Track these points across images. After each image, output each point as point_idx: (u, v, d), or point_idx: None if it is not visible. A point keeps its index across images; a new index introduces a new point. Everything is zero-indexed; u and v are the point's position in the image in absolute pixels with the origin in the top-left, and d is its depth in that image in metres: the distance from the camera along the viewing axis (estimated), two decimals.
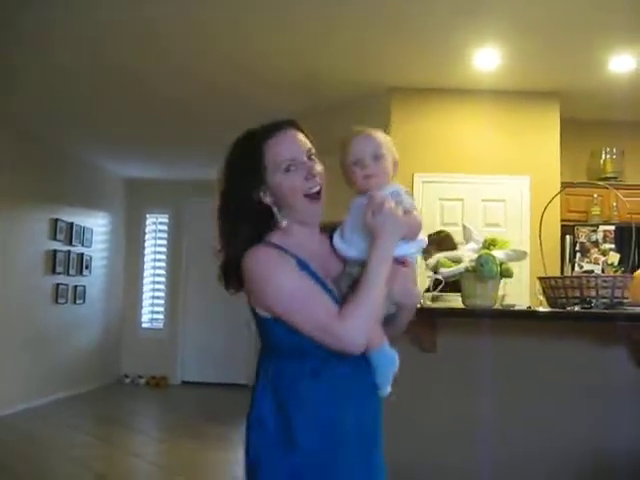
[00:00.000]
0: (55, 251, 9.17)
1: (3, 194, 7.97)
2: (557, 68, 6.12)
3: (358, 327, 1.77)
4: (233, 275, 1.93)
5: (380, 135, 2.04)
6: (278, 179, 1.90)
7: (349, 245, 1.94)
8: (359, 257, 1.88)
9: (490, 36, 5.52)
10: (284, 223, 1.93)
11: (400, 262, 1.92)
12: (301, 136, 1.97)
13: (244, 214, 1.93)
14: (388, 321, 1.95)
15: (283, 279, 1.82)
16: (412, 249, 1.96)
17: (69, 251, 9.52)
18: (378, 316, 1.85)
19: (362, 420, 1.92)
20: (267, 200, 1.93)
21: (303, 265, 1.86)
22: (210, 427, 7.67)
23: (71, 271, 9.58)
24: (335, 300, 1.85)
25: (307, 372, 1.86)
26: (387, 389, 1.94)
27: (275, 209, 1.93)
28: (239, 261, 1.87)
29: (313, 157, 1.96)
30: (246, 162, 1.93)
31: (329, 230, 2.02)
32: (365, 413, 1.93)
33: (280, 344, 1.90)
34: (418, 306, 3.53)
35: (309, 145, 1.96)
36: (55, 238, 9.19)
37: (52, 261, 9.12)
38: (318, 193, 1.93)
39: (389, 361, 1.91)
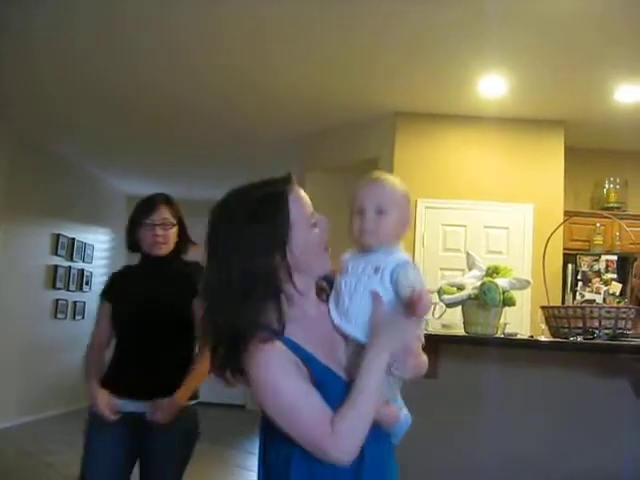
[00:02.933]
0: (56, 266, 9.17)
1: (5, 208, 7.96)
2: (562, 97, 6.14)
3: (345, 444, 1.60)
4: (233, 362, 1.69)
5: (393, 187, 1.82)
6: (305, 234, 1.69)
7: (350, 323, 1.73)
8: (365, 340, 1.69)
9: (496, 64, 5.54)
10: (292, 289, 1.70)
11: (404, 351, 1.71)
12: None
13: (262, 283, 1.65)
14: None
15: (277, 386, 1.62)
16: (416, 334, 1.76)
17: (70, 266, 9.52)
18: (371, 422, 1.64)
19: None
20: (288, 260, 1.67)
21: (307, 358, 1.66)
22: (207, 447, 7.58)
23: (71, 287, 9.57)
24: (345, 387, 1.66)
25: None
26: (397, 439, 1.87)
27: (289, 274, 1.69)
28: (241, 347, 1.65)
29: None
30: (270, 216, 1.66)
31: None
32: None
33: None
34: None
35: None
36: (56, 253, 9.19)
37: (53, 276, 9.12)
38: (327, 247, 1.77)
39: (402, 428, 1.83)
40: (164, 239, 3.30)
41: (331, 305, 1.77)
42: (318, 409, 1.62)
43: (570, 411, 3.56)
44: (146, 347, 3.20)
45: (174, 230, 3.34)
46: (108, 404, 3.12)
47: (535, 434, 3.56)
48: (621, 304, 3.84)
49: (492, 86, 5.93)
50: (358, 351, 1.68)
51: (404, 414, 1.82)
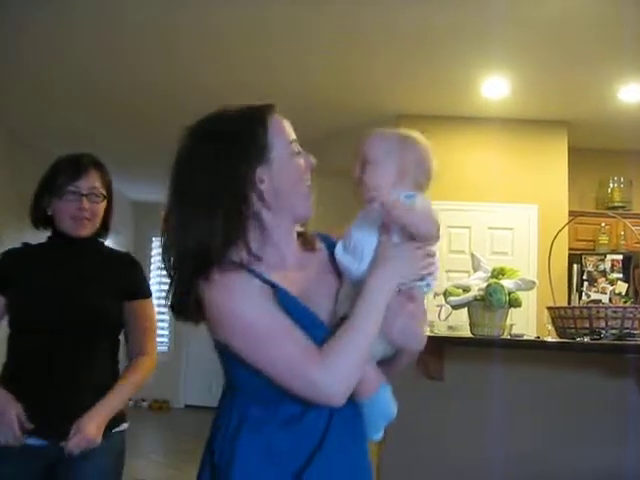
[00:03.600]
0: None
1: (9, 215, 7.96)
2: (565, 97, 6.13)
3: (341, 375, 1.42)
4: (190, 298, 1.51)
5: (381, 135, 1.68)
6: (285, 158, 1.56)
7: (356, 258, 1.57)
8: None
9: (499, 65, 5.53)
10: (266, 221, 1.56)
11: (406, 295, 1.56)
12: None
13: (237, 204, 1.50)
14: (382, 362, 1.62)
15: (248, 310, 1.45)
16: (422, 280, 1.59)
17: None
18: (366, 361, 1.50)
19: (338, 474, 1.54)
20: (261, 185, 1.52)
21: (283, 294, 1.50)
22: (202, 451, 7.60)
23: None
24: (327, 334, 1.49)
25: (279, 420, 1.51)
26: (378, 435, 1.63)
27: (257, 202, 1.53)
28: (198, 280, 1.48)
29: None
30: (246, 134, 1.53)
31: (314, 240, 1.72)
32: (343, 466, 1.55)
33: (245, 384, 1.56)
34: (428, 334, 3.53)
35: None
36: None
37: None
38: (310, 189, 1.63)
39: (384, 412, 1.59)
40: (91, 214, 2.53)
41: (339, 248, 1.61)
42: (302, 338, 1.45)
43: (577, 412, 3.56)
44: (56, 363, 2.38)
45: (103, 205, 2.60)
46: (18, 416, 2.29)
47: (542, 435, 3.55)
48: (627, 304, 3.83)
49: (495, 87, 5.92)
50: (353, 295, 1.53)
51: (386, 396, 1.59)
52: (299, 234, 1.69)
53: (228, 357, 1.55)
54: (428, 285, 1.61)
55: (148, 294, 2.69)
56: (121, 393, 2.46)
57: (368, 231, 1.57)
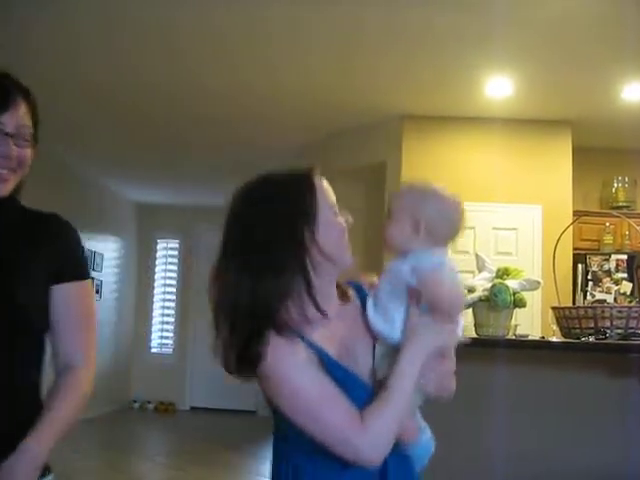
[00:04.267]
0: None
1: None
2: (569, 97, 6.12)
3: (382, 439, 1.53)
4: (244, 357, 1.56)
5: (402, 190, 1.79)
6: (330, 220, 1.63)
7: (388, 323, 1.65)
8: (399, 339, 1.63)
9: (502, 65, 5.53)
10: (319, 287, 1.61)
11: (440, 353, 1.66)
12: None
13: (290, 265, 1.56)
14: None
15: (297, 377, 1.53)
16: (452, 338, 1.69)
17: None
18: (401, 425, 1.58)
19: None
20: (310, 244, 1.58)
21: (327, 359, 1.59)
22: (218, 454, 7.62)
23: None
24: (368, 391, 1.59)
25: (338, 466, 1.57)
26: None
27: (311, 262, 1.60)
28: (258, 339, 1.54)
29: None
30: (297, 197, 1.60)
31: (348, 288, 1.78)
32: None
33: (298, 435, 1.59)
34: None
35: None
36: None
37: None
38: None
39: (425, 451, 1.73)
40: (18, 164, 1.85)
41: (370, 308, 1.68)
42: (345, 404, 1.54)
43: (582, 411, 3.55)
44: None
45: (31, 152, 1.91)
46: None
47: (546, 434, 3.55)
48: (632, 303, 3.82)
49: (498, 87, 5.92)
50: (389, 354, 1.63)
51: (426, 437, 1.74)
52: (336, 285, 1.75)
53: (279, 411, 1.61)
54: (456, 339, 1.73)
55: (84, 274, 1.95)
56: (45, 436, 1.68)
57: (397, 297, 1.64)
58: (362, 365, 1.65)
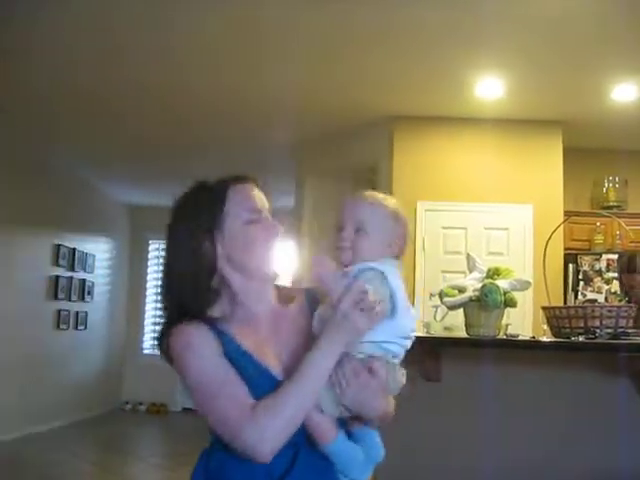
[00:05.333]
0: (57, 277, 9.16)
1: (6, 220, 7.97)
2: (560, 97, 6.14)
3: (267, 433, 1.49)
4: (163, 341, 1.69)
5: (378, 205, 1.76)
6: (236, 228, 1.70)
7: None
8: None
9: (493, 65, 5.54)
10: (232, 284, 1.72)
11: (366, 366, 1.64)
12: (262, 194, 1.79)
13: (194, 266, 1.68)
14: (354, 419, 1.71)
15: (194, 367, 1.60)
16: (377, 347, 1.65)
17: (71, 277, 9.51)
18: (298, 423, 1.55)
19: None
20: (217, 250, 1.69)
21: (235, 350, 1.63)
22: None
23: (73, 297, 9.56)
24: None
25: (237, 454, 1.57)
26: (358, 478, 1.71)
27: (223, 266, 1.70)
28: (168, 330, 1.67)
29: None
30: (204, 203, 1.72)
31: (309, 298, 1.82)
32: None
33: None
34: (424, 335, 3.54)
35: (267, 204, 1.79)
36: (58, 264, 9.17)
37: (54, 287, 9.11)
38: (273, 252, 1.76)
39: (347, 460, 1.67)
40: None
41: (316, 317, 1.70)
42: (240, 395, 1.56)
43: (573, 410, 3.57)
44: None
45: None
46: None
47: (538, 433, 3.56)
48: (622, 302, 3.84)
49: (489, 88, 5.94)
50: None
51: (347, 445, 1.68)
52: (278, 288, 1.84)
53: None
54: (394, 356, 1.69)
55: None
56: None
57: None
58: (284, 361, 1.67)
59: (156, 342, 1.73)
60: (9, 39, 5.14)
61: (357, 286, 1.58)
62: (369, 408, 1.66)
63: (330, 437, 1.64)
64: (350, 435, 1.71)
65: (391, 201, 1.80)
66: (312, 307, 1.76)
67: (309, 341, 1.64)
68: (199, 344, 1.61)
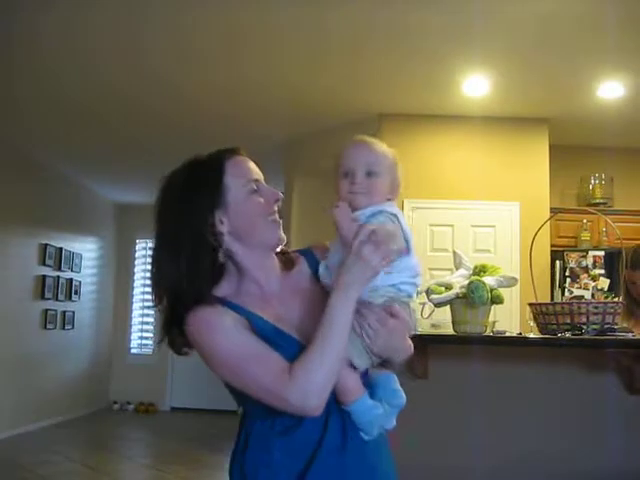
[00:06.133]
0: (44, 276, 9.12)
1: None
2: (546, 95, 6.17)
3: (309, 389, 1.53)
4: (177, 329, 1.68)
5: (381, 149, 1.79)
6: (241, 199, 1.69)
7: (330, 275, 1.70)
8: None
9: (479, 63, 5.56)
10: (240, 259, 1.70)
11: (387, 311, 1.66)
12: (254, 164, 1.81)
13: (200, 246, 1.65)
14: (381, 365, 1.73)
15: (222, 343, 1.60)
16: (395, 289, 1.67)
17: (58, 276, 9.48)
18: (337, 371, 1.58)
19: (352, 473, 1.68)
20: (221, 227, 1.67)
21: (257, 321, 1.64)
22: (199, 454, 7.61)
23: (60, 296, 9.53)
24: (300, 347, 1.61)
25: (277, 431, 1.65)
26: (381, 430, 1.73)
27: (228, 242, 1.68)
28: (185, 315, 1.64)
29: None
30: (202, 181, 1.69)
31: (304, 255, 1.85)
32: (340, 469, 1.66)
33: (247, 403, 1.69)
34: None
35: (261, 174, 1.79)
36: (44, 263, 9.14)
37: (41, 286, 9.07)
38: (278, 219, 1.75)
39: (370, 416, 1.67)
40: None
41: (321, 267, 1.74)
42: (272, 359, 1.59)
43: (560, 407, 3.58)
44: None
45: None
46: None
47: (524, 430, 3.58)
48: (608, 299, 3.86)
49: (475, 85, 5.95)
50: None
51: (369, 404, 1.68)
52: (279, 254, 1.82)
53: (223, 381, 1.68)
54: (409, 295, 1.72)
55: None
56: None
57: (338, 248, 1.68)
58: (301, 327, 1.68)
59: (165, 336, 1.70)
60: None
61: (367, 227, 1.60)
62: (400, 351, 1.72)
63: (356, 395, 1.66)
64: (371, 385, 1.72)
65: (386, 146, 1.83)
66: (312, 267, 1.79)
67: (317, 301, 1.67)
68: (220, 323, 1.61)
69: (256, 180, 1.74)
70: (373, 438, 1.71)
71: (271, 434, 1.65)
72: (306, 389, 1.53)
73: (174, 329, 1.67)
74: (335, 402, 1.65)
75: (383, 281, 1.64)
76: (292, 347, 1.61)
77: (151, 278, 1.72)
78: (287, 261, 1.82)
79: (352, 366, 1.65)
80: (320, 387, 1.55)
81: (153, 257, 1.73)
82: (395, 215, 1.68)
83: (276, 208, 1.75)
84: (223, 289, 1.70)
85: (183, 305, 1.64)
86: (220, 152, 1.76)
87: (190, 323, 1.62)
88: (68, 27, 4.97)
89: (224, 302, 1.65)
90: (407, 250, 1.68)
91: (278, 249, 1.80)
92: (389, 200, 1.75)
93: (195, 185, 1.68)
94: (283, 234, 1.75)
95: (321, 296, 1.68)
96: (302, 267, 1.82)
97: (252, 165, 1.78)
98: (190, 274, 1.64)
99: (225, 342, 1.59)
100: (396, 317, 1.67)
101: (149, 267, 1.74)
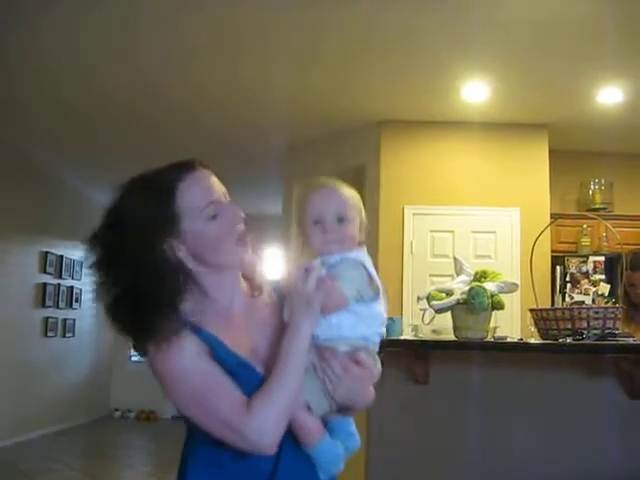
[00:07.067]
0: (45, 284, 9.13)
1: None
2: (545, 100, 6.17)
3: (267, 425, 1.51)
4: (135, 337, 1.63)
5: (348, 192, 1.74)
6: (198, 227, 1.59)
7: None
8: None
9: (478, 69, 5.56)
10: (201, 281, 1.64)
11: (352, 358, 1.64)
12: (214, 177, 1.67)
13: (148, 272, 1.56)
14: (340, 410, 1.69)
15: (181, 371, 1.54)
16: (362, 339, 1.66)
17: (59, 284, 9.48)
18: (291, 408, 1.56)
19: None
20: (179, 254, 1.59)
21: (217, 346, 1.58)
22: None
23: (61, 304, 9.53)
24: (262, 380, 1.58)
25: (222, 460, 1.59)
26: (335, 472, 1.69)
27: (188, 263, 1.61)
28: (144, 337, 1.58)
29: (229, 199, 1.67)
30: (153, 208, 1.58)
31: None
32: None
33: (196, 428, 1.62)
34: (412, 338, 3.55)
35: (223, 187, 1.67)
36: (45, 271, 9.15)
37: (42, 294, 9.08)
38: (245, 237, 1.66)
39: (331, 459, 1.65)
40: None
41: (286, 308, 1.66)
42: (232, 392, 1.54)
43: (561, 412, 3.58)
44: None
45: None
46: None
47: (526, 435, 3.57)
48: (609, 304, 3.86)
49: (475, 91, 5.96)
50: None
51: (331, 444, 1.66)
52: (246, 279, 1.76)
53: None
54: (374, 343, 1.70)
55: None
56: None
57: None
58: (261, 355, 1.64)
59: (133, 349, 1.66)
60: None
61: (317, 274, 1.59)
62: (361, 399, 1.68)
63: (317, 437, 1.63)
64: (327, 426, 1.69)
65: (346, 186, 1.79)
66: (280, 297, 1.73)
67: (281, 330, 1.63)
68: (182, 353, 1.54)
69: (214, 202, 1.62)
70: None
71: (217, 463, 1.61)
72: (264, 425, 1.51)
73: (131, 337, 1.63)
74: (287, 439, 1.60)
75: (354, 332, 1.64)
76: (252, 379, 1.58)
77: (102, 289, 1.65)
78: (254, 286, 1.76)
79: (309, 409, 1.62)
80: (277, 424, 1.53)
81: (103, 271, 1.63)
82: (361, 262, 1.66)
83: (242, 227, 1.65)
84: (188, 306, 1.60)
85: (143, 322, 1.57)
86: (172, 171, 1.65)
87: (151, 351, 1.56)
88: (66, 28, 4.97)
89: (187, 323, 1.57)
90: (376, 296, 1.66)
91: (247, 268, 1.74)
92: (359, 243, 1.72)
93: (145, 213, 1.58)
94: (251, 254, 1.68)
95: (284, 325, 1.65)
96: (270, 294, 1.77)
97: (210, 182, 1.65)
98: (149, 302, 1.56)
99: (184, 372, 1.54)
100: (361, 365, 1.64)
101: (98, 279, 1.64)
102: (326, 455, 1.64)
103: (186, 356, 1.54)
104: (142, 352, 1.61)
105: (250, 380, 1.57)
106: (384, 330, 1.73)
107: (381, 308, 1.70)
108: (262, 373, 1.60)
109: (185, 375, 1.54)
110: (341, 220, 1.69)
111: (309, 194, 1.74)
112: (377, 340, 1.70)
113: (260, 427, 1.51)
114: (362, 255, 1.69)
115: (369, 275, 1.66)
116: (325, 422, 1.68)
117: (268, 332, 1.67)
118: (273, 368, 1.56)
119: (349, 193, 1.75)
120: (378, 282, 1.67)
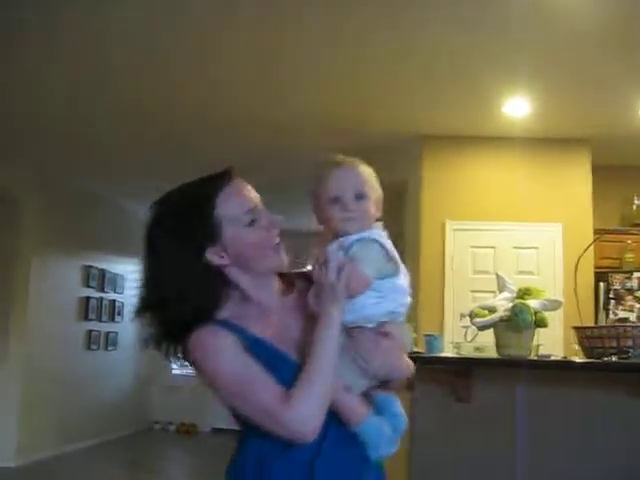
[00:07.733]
0: (88, 298, 9.25)
1: (36, 242, 8.08)
2: (587, 115, 6.12)
3: (306, 413, 1.57)
4: (174, 345, 1.72)
5: (364, 169, 1.77)
6: (238, 234, 1.67)
7: None
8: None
9: (520, 84, 5.53)
10: (242, 285, 1.71)
11: (380, 332, 1.68)
12: (249, 185, 1.74)
13: (193, 281, 1.66)
14: (380, 386, 1.73)
15: (220, 367, 1.61)
16: (388, 315, 1.69)
17: (101, 298, 9.60)
18: (329, 394, 1.61)
19: None
20: (221, 261, 1.68)
21: (254, 343, 1.64)
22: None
23: (103, 317, 9.65)
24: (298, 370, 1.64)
25: (278, 448, 1.64)
26: (385, 452, 1.71)
27: (229, 270, 1.69)
28: (184, 337, 1.66)
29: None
30: (195, 216, 1.66)
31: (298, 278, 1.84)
32: None
33: (244, 421, 1.68)
34: (455, 356, 3.53)
35: (258, 195, 1.74)
36: (88, 285, 9.27)
37: (85, 308, 9.20)
38: (279, 243, 1.73)
39: (377, 435, 1.67)
40: None
41: (310, 294, 1.70)
42: (270, 383, 1.60)
43: (606, 432, 3.53)
44: None
45: None
46: None
47: (572, 455, 3.53)
48: None
49: (517, 107, 5.93)
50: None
51: (377, 423, 1.69)
52: (280, 275, 1.81)
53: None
54: (401, 314, 1.73)
55: None
56: None
57: None
58: (299, 344, 1.69)
59: (160, 343, 1.73)
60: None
61: (336, 259, 1.64)
62: (397, 370, 1.73)
63: (362, 415, 1.67)
64: (373, 407, 1.71)
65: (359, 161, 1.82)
66: (309, 288, 1.76)
67: (312, 320, 1.68)
68: (221, 345, 1.62)
69: (253, 208, 1.69)
70: (377, 459, 1.72)
71: (269, 455, 1.65)
72: (303, 414, 1.57)
73: (169, 343, 1.71)
74: (332, 419, 1.64)
75: (379, 309, 1.67)
76: (290, 370, 1.63)
77: (145, 295, 1.75)
78: (286, 282, 1.82)
79: (348, 390, 1.66)
80: (316, 412, 1.58)
81: (149, 276, 1.75)
82: (375, 240, 1.68)
83: (277, 232, 1.72)
84: (226, 311, 1.69)
85: (183, 323, 1.65)
86: (210, 183, 1.72)
87: (193, 345, 1.64)
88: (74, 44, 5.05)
89: (225, 323, 1.66)
90: (396, 272, 1.69)
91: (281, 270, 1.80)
92: (377, 220, 1.75)
93: (188, 221, 1.67)
94: (285, 257, 1.74)
95: (314, 315, 1.70)
96: (302, 286, 1.80)
97: (247, 191, 1.72)
98: (189, 305, 1.65)
99: (227, 366, 1.61)
100: (389, 337, 1.69)
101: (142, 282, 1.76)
102: (372, 432, 1.67)
103: (225, 349, 1.62)
104: (185, 356, 1.69)
105: (288, 371, 1.62)
106: (409, 300, 1.74)
107: (402, 281, 1.72)
108: (300, 362, 1.65)
109: (225, 369, 1.61)
110: (359, 197, 1.71)
111: (326, 172, 1.75)
112: (403, 311, 1.73)
113: (299, 417, 1.56)
114: (378, 232, 1.71)
115: (387, 252, 1.68)
116: (370, 402, 1.71)
117: (303, 324, 1.72)
118: (307, 358, 1.61)
119: (365, 170, 1.77)
120: (396, 257, 1.70)
